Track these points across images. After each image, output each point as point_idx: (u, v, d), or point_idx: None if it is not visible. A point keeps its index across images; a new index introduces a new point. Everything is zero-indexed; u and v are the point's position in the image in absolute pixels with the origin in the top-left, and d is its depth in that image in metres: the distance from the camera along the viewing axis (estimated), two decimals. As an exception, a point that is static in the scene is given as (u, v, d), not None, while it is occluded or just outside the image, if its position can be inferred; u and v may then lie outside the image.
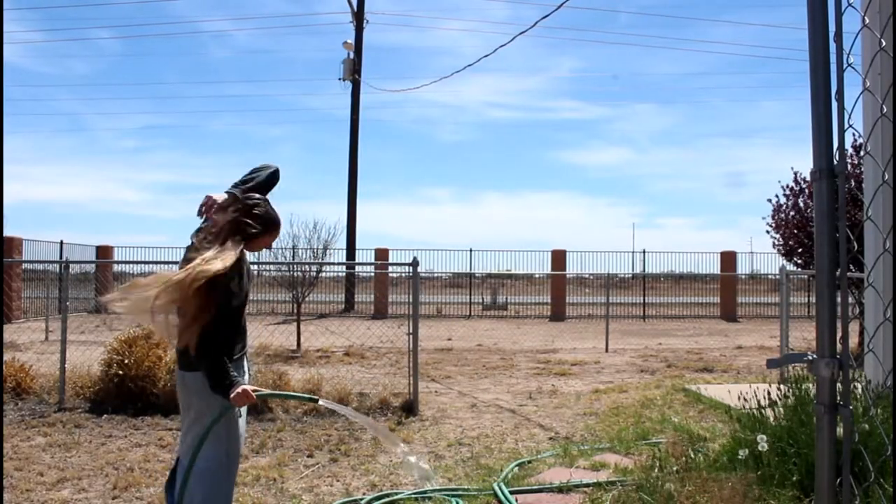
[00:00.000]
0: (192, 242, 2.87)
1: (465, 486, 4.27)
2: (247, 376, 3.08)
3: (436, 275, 25.53)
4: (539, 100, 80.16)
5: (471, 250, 22.03)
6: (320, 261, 20.81)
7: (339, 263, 19.91)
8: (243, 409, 3.04)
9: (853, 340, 8.58)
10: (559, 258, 20.96)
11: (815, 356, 1.65)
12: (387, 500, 4.05)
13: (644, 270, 22.78)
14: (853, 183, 7.88)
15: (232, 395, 2.66)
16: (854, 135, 1.71)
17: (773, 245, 11.96)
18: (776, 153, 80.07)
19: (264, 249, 3.03)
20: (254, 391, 2.74)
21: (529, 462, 4.82)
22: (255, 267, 18.83)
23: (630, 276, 26.09)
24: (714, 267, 21.93)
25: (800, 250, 11.38)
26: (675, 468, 3.59)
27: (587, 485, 4.14)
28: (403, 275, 19.21)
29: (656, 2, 72.70)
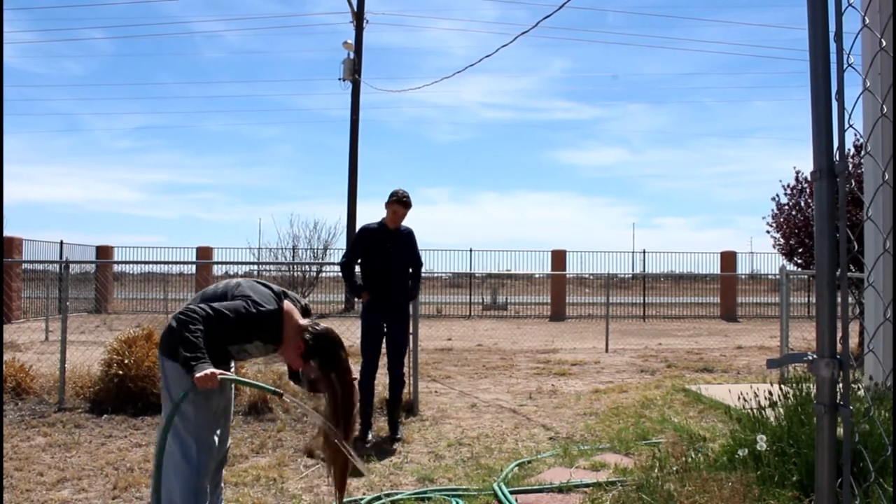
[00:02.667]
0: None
1: (465, 486, 4.27)
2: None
3: (436, 275, 25.54)
4: (532, 100, 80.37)
5: (471, 250, 22.05)
6: (320, 261, 20.85)
7: (339, 263, 19.90)
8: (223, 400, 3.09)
9: (853, 340, 8.58)
10: (559, 258, 20.96)
11: (815, 356, 1.65)
12: (387, 500, 4.05)
13: (644, 270, 22.79)
14: (853, 183, 7.89)
15: (197, 375, 2.64)
16: (854, 135, 1.71)
17: (774, 245, 11.96)
18: (771, 153, 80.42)
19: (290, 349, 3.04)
20: (220, 375, 2.71)
21: (529, 462, 4.82)
22: (256, 267, 18.87)
23: (630, 276, 26.12)
24: (714, 267, 21.95)
25: (800, 250, 11.38)
26: (675, 468, 3.59)
27: (587, 485, 4.14)
28: (403, 275, 19.18)
29: (648, 2, 72.81)
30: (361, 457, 4.95)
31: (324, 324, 2.97)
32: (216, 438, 3.03)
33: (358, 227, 6.27)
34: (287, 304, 2.99)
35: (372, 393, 5.77)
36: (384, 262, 5.65)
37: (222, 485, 3.23)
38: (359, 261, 5.84)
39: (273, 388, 2.95)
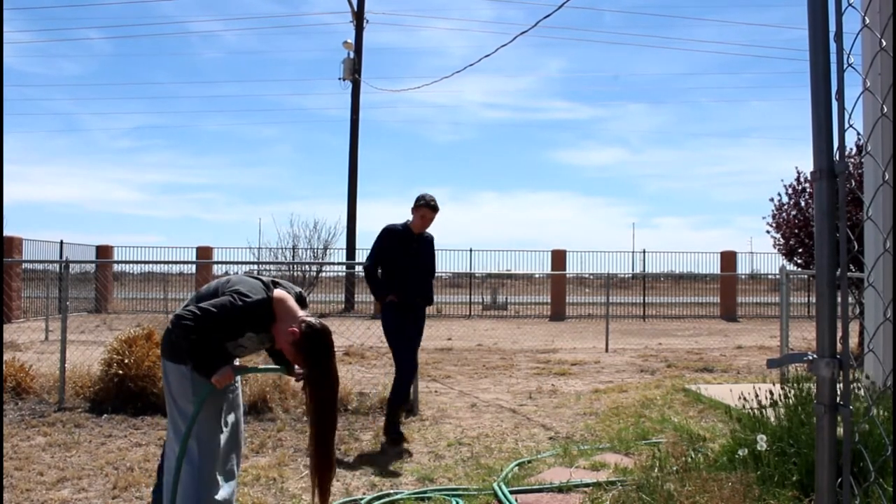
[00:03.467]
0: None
1: (465, 486, 4.27)
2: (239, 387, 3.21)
3: (436, 274, 25.53)
4: (530, 100, 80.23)
5: (471, 250, 22.04)
6: (320, 261, 20.87)
7: (338, 263, 19.94)
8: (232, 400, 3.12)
9: (853, 340, 8.58)
10: (559, 258, 20.96)
11: (815, 356, 1.65)
12: (387, 499, 4.05)
13: (644, 270, 22.79)
14: (853, 183, 7.88)
15: (215, 378, 2.79)
16: (855, 135, 1.70)
17: (774, 245, 11.96)
18: (768, 153, 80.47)
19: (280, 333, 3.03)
20: (234, 369, 2.86)
21: (529, 462, 4.82)
22: (256, 266, 18.93)
23: (630, 276, 26.12)
24: (714, 267, 21.94)
25: (800, 250, 11.38)
26: (675, 468, 3.59)
27: (587, 485, 4.14)
28: (403, 275, 19.18)
29: (646, 1, 72.72)
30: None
31: (324, 323, 2.97)
32: (222, 435, 3.04)
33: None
34: (278, 291, 2.98)
35: (408, 396, 5.86)
36: (408, 265, 5.61)
37: (237, 471, 3.22)
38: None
39: (279, 368, 2.96)
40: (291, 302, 2.98)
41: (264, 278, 3.06)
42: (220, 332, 2.87)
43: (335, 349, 2.98)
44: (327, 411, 2.92)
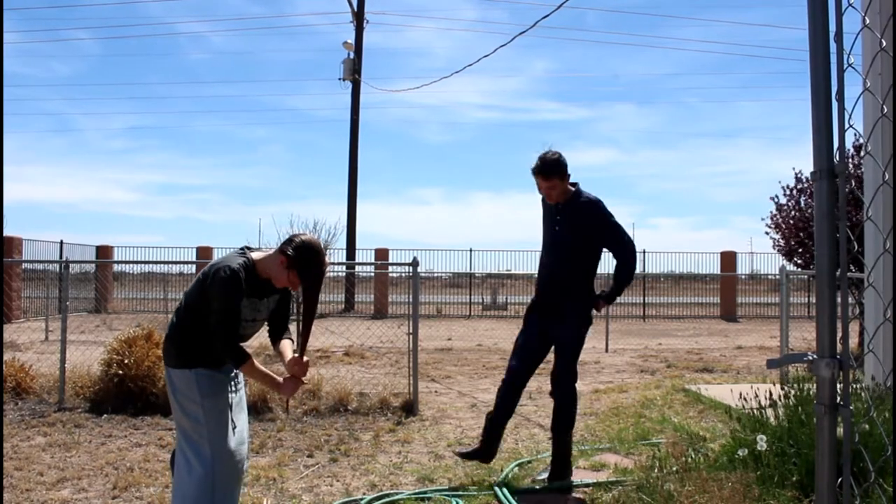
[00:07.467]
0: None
1: (465, 486, 4.27)
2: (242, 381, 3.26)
3: (436, 275, 25.55)
4: (521, 101, 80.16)
5: (471, 250, 22.05)
6: (320, 261, 20.84)
7: (339, 263, 19.90)
8: (239, 402, 3.13)
9: (853, 340, 8.58)
10: (559, 258, 20.93)
11: (815, 356, 1.65)
12: (387, 500, 4.05)
13: (644, 270, 22.78)
14: (853, 183, 7.89)
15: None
16: (854, 135, 1.70)
17: (773, 245, 11.97)
18: (761, 153, 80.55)
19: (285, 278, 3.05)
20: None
21: (529, 462, 4.82)
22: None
23: (630, 276, 26.10)
24: (714, 267, 21.95)
25: (800, 250, 11.39)
26: (674, 468, 3.59)
27: (587, 485, 4.14)
28: (403, 275, 19.22)
29: (636, 2, 72.70)
30: None
31: (303, 237, 2.98)
32: (231, 438, 3.04)
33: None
34: (253, 254, 3.04)
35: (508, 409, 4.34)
36: (546, 248, 4.46)
37: (244, 471, 3.23)
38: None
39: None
40: (264, 251, 3.06)
41: (238, 249, 3.12)
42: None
43: (324, 263, 2.99)
44: (314, 310, 3.10)
